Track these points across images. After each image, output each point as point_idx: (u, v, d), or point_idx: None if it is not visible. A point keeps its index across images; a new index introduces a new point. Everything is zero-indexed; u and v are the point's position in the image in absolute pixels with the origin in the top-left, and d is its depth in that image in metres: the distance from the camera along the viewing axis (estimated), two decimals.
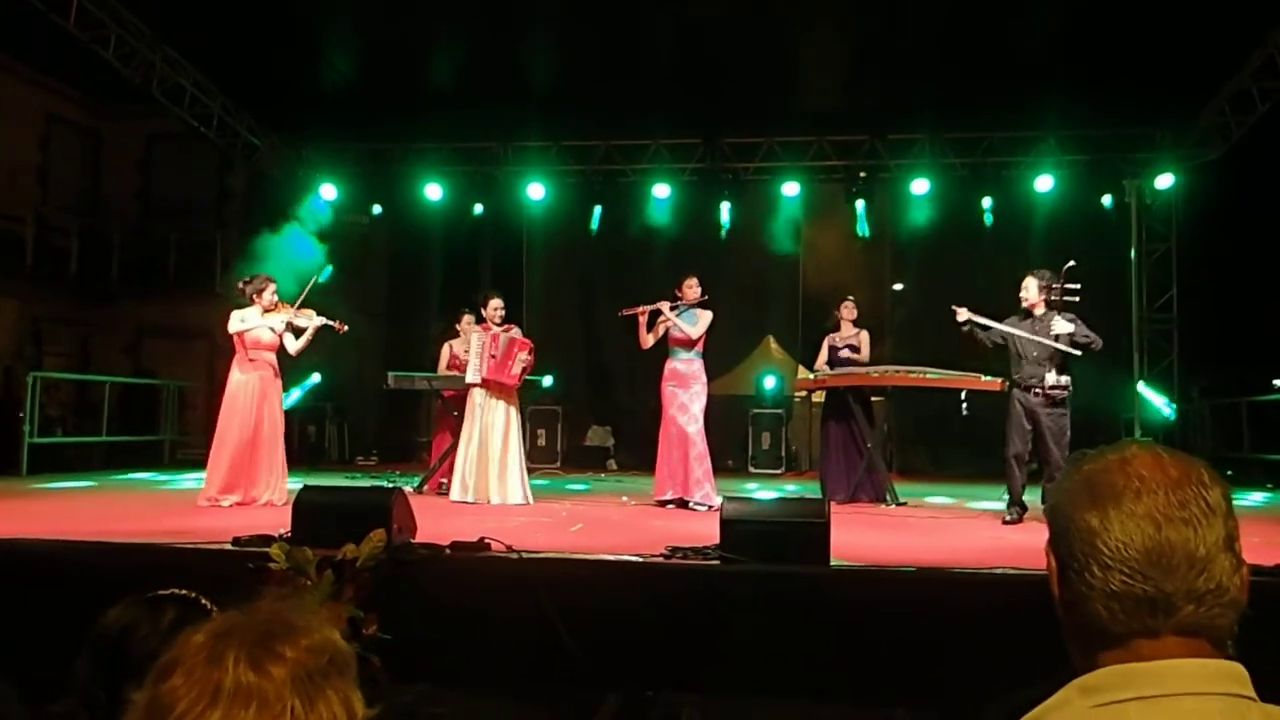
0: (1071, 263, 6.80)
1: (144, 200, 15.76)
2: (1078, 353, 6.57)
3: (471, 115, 11.67)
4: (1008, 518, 6.60)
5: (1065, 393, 6.56)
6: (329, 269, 7.79)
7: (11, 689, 2.07)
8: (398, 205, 12.98)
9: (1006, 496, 6.75)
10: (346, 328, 7.75)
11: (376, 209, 13.01)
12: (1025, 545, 5.26)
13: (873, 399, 8.62)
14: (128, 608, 1.72)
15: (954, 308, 6.91)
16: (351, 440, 13.40)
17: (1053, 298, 6.66)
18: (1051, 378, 6.49)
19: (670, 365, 7.69)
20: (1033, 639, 3.07)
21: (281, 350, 7.40)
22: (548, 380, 10.78)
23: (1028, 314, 6.80)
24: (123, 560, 4.49)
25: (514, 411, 7.78)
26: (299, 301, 7.46)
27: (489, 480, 7.53)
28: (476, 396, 7.70)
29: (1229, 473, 10.06)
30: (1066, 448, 6.40)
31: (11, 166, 14.15)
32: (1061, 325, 6.51)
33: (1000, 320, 6.91)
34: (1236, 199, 10.86)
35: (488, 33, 9.94)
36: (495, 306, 7.91)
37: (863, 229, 12.47)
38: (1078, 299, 6.73)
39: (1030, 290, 6.77)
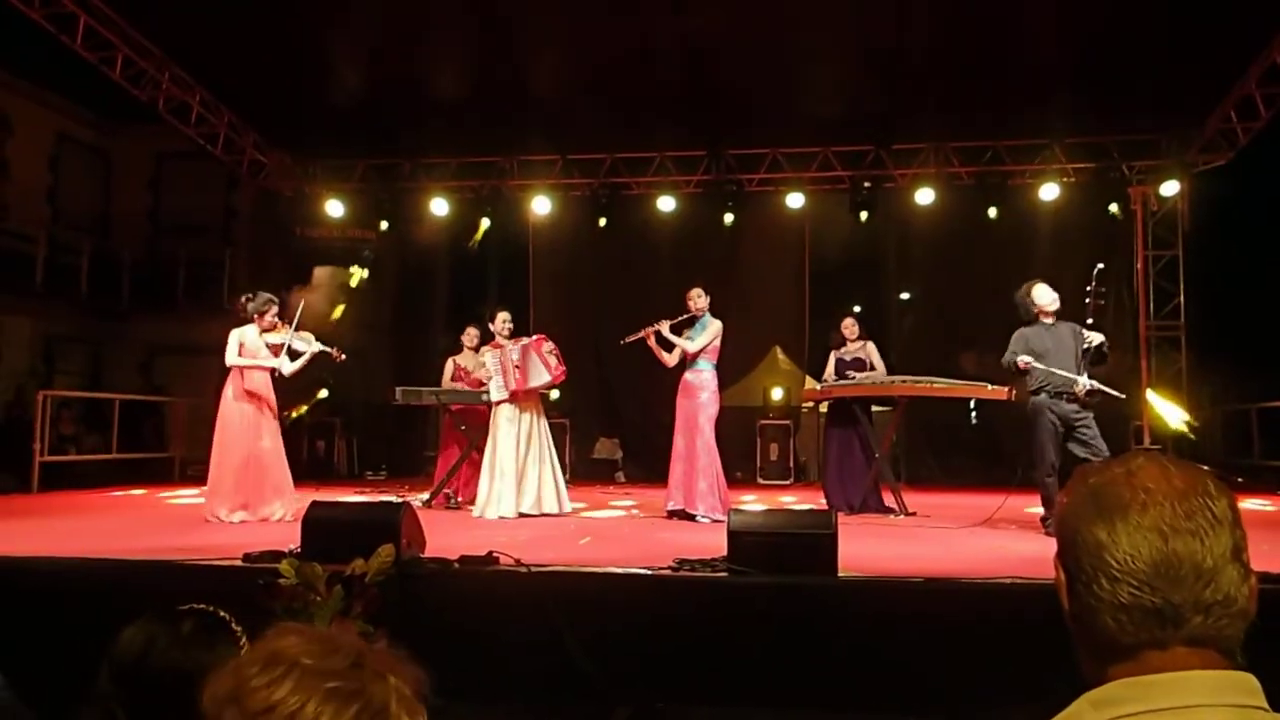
0: (1100, 265, 6.75)
1: (153, 218, 15.86)
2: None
3: (477, 129, 11.73)
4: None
5: (1099, 399, 6.44)
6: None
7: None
8: (404, 220, 13.03)
9: (1044, 512, 6.57)
10: (344, 357, 7.77)
11: (383, 225, 13.07)
12: (1033, 555, 5.26)
13: (874, 409, 8.54)
14: (146, 622, 1.73)
15: (1015, 359, 6.55)
16: (360, 455, 13.42)
17: (1086, 300, 6.57)
18: (1084, 381, 6.33)
19: (683, 377, 7.71)
20: (1041, 649, 3.07)
21: (275, 370, 7.44)
22: (555, 393, 10.80)
23: (1035, 322, 6.66)
24: (134, 577, 4.51)
25: (543, 421, 7.83)
26: (295, 323, 7.49)
27: (530, 493, 7.55)
28: (504, 412, 7.69)
29: (1239, 480, 10.02)
30: (1104, 449, 6.28)
31: (23, 186, 14.27)
32: (1095, 335, 6.41)
33: (1011, 332, 6.80)
34: (1243, 205, 10.86)
35: (492, 47, 10.01)
36: (503, 320, 7.96)
37: (867, 238, 12.51)
38: (1104, 302, 6.68)
39: (1047, 297, 6.62)
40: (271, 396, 7.37)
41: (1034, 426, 6.51)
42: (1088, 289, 6.56)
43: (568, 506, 7.69)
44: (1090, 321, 6.49)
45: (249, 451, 7.11)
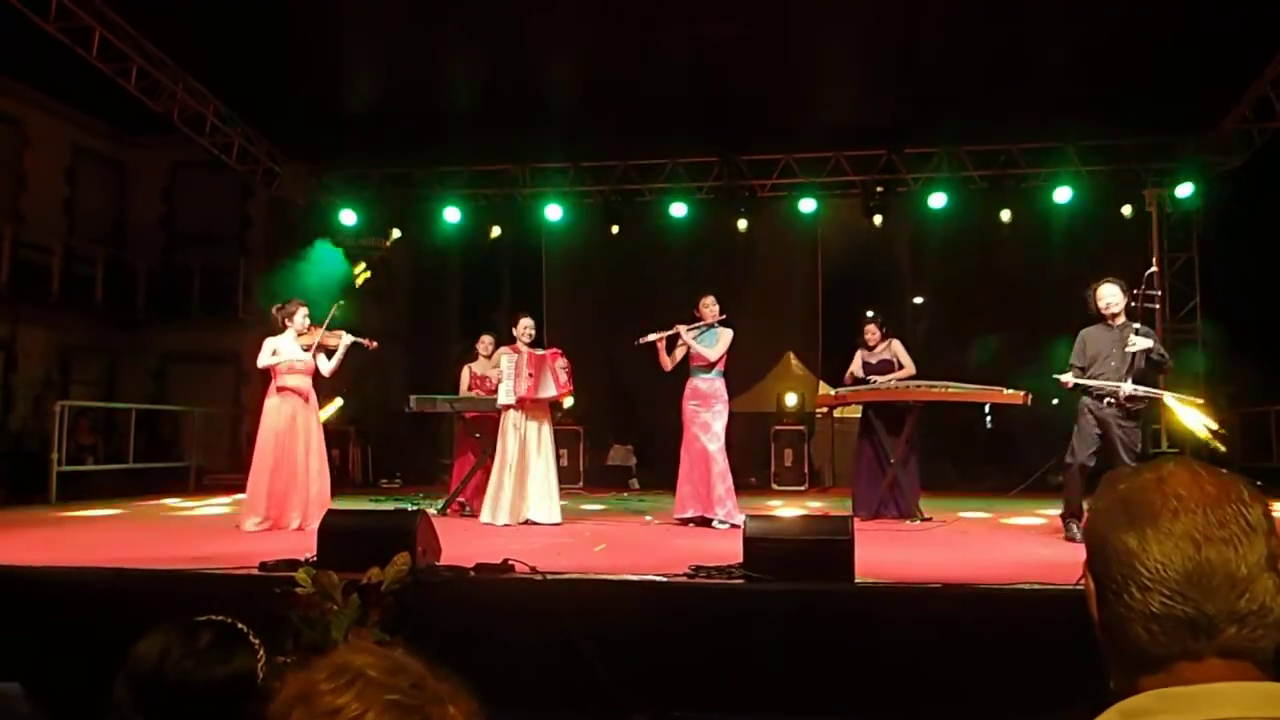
0: (1153, 268, 6.65)
1: (168, 228, 15.97)
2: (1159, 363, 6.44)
3: (489, 138, 11.76)
4: (1076, 536, 6.19)
5: (1142, 404, 6.38)
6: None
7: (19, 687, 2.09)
8: (417, 229, 13.08)
9: (1063, 511, 6.50)
10: (376, 344, 7.81)
11: (396, 233, 13.12)
12: (1052, 560, 5.23)
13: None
14: (162, 634, 1.73)
15: (1057, 378, 6.57)
16: (375, 463, 13.46)
17: (1132, 304, 6.48)
18: (1128, 387, 6.24)
19: (691, 383, 7.70)
20: (1059, 655, 3.04)
21: (316, 373, 7.47)
22: (569, 401, 10.80)
23: (1102, 320, 6.53)
24: (151, 586, 4.52)
25: (548, 430, 7.81)
26: (326, 323, 7.52)
27: (530, 500, 7.56)
28: (510, 417, 7.70)
29: (1258, 483, 9.92)
30: (1139, 460, 6.13)
31: (39, 197, 14.38)
32: (1140, 342, 6.27)
33: (1076, 331, 6.71)
34: (1259, 206, 10.78)
35: (504, 55, 10.03)
36: (525, 326, 7.95)
37: (881, 243, 12.51)
38: (1158, 306, 6.56)
39: (1116, 297, 6.46)
40: (312, 402, 7.40)
41: (1076, 425, 6.51)
42: (1135, 292, 6.49)
43: (557, 517, 7.66)
44: (1137, 326, 6.38)
45: (280, 461, 7.14)
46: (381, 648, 1.10)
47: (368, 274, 12.94)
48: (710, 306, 7.68)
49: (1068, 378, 6.50)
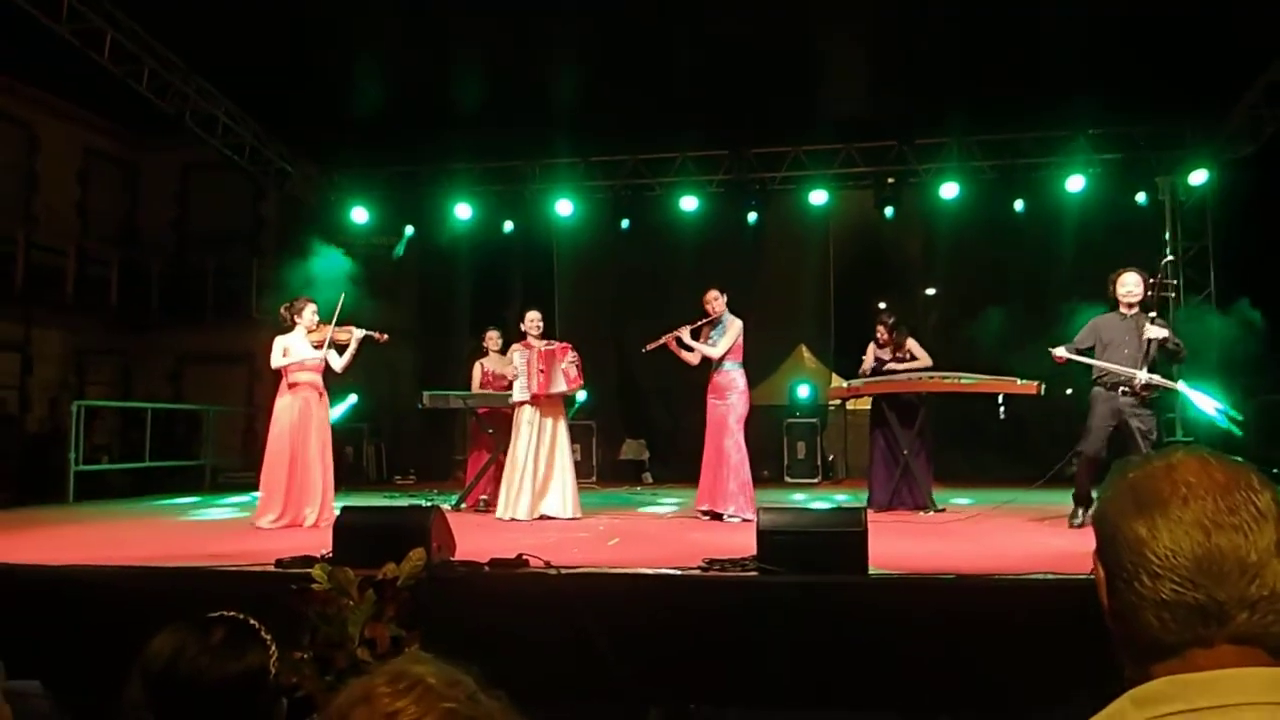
0: (1169, 257, 6.62)
1: (180, 230, 16.02)
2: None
3: (499, 135, 11.77)
4: (1075, 522, 6.33)
5: (1157, 393, 6.35)
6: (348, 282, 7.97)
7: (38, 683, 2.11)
8: (428, 226, 13.11)
9: (1074, 494, 6.52)
10: (387, 337, 7.85)
11: (409, 230, 13.13)
12: (1066, 550, 5.21)
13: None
14: (175, 631, 1.74)
15: (1050, 350, 6.62)
16: (389, 460, 13.50)
17: (1148, 294, 6.46)
18: (1144, 375, 6.22)
19: (710, 377, 7.71)
20: (1074, 646, 3.03)
21: (328, 370, 7.50)
22: (581, 395, 10.82)
23: (1116, 309, 6.52)
24: (168, 584, 4.55)
25: (563, 425, 7.83)
26: (334, 319, 7.55)
27: (548, 495, 7.58)
28: (525, 413, 7.72)
29: (1274, 471, 9.87)
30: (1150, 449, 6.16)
31: (52, 200, 14.45)
32: (1155, 331, 6.25)
33: (1085, 319, 6.70)
34: (1273, 192, 10.69)
35: (513, 52, 10.04)
36: (533, 319, 7.95)
37: (892, 235, 12.47)
38: (1173, 295, 6.55)
39: (1135, 286, 6.44)
40: (323, 399, 7.44)
41: (1089, 414, 6.50)
42: (1150, 280, 6.46)
43: (576, 512, 7.68)
44: (1154, 315, 6.36)
45: (293, 455, 7.19)
46: (438, 660, 1.11)
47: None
48: (714, 301, 7.66)
49: (1061, 351, 6.51)
